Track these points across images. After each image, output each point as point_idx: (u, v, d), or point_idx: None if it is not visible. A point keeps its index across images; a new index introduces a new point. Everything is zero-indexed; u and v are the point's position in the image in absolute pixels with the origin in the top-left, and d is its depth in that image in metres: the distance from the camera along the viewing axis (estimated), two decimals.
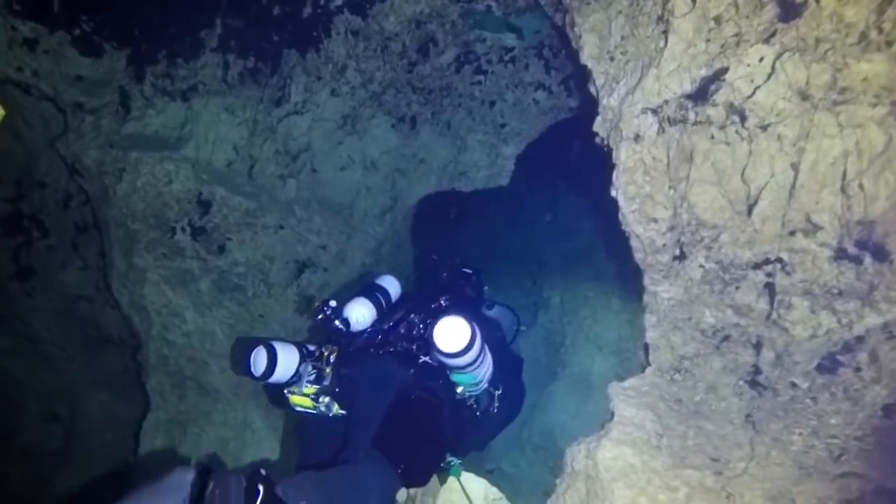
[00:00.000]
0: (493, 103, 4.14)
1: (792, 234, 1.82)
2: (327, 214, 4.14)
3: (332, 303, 2.49)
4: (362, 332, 2.53)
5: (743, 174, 1.87)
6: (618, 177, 2.21)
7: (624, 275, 6.23)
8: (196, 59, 3.54)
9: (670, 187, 2.07)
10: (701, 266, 2.03)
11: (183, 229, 3.49)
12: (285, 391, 2.37)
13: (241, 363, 2.71)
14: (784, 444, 1.88)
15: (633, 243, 2.27)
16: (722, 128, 1.89)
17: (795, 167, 1.78)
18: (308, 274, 4.12)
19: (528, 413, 5.51)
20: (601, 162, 2.38)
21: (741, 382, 2.03)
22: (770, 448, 1.88)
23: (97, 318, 4.16)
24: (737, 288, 1.97)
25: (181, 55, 3.52)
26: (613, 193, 2.24)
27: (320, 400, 2.34)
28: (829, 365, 1.85)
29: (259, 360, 2.27)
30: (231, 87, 3.64)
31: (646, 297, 2.38)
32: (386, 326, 2.57)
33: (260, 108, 3.77)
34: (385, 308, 2.63)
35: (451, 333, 2.19)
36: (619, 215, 2.28)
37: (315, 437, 2.44)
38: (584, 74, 2.62)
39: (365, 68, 3.86)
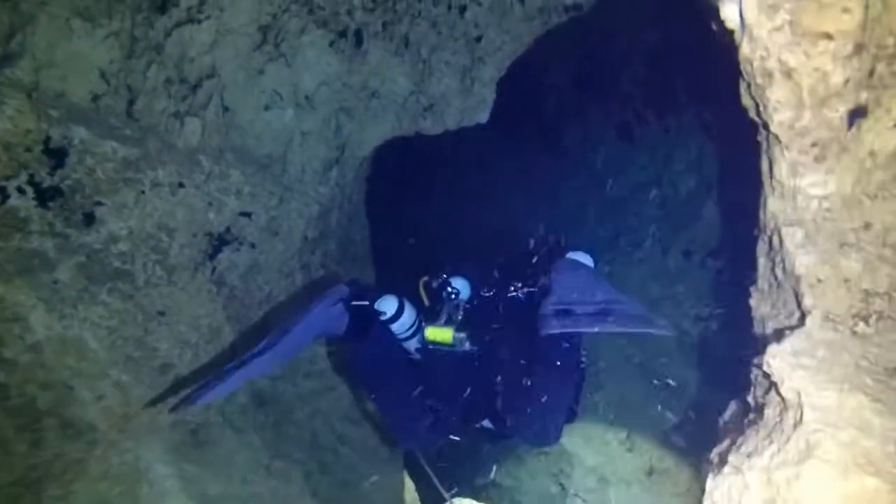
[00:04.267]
0: (463, 8, 3.12)
1: None
2: (250, 170, 3.02)
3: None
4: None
5: None
6: None
7: (625, 235, 5.38)
8: None
9: None
10: None
11: (21, 190, 2.30)
12: (424, 324, 2.69)
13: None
14: None
15: (767, 93, 1.28)
16: None
17: None
18: (228, 252, 2.99)
19: None
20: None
21: None
22: None
23: None
24: None
25: None
26: None
27: (456, 336, 2.64)
28: None
29: (389, 302, 2.61)
30: None
31: (774, 202, 1.41)
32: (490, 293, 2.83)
33: (137, 16, 2.62)
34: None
35: (580, 256, 2.64)
36: (734, 38, 1.30)
37: (446, 369, 2.69)
38: None
39: None
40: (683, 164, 4.81)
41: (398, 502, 3.40)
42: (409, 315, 2.70)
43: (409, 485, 3.83)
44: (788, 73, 1.18)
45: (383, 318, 2.59)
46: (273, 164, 3.18)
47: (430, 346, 2.70)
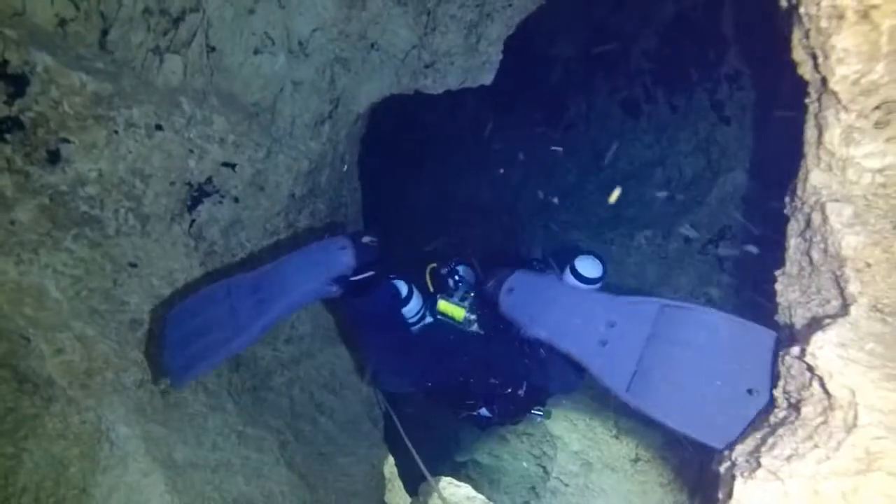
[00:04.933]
0: None
1: None
2: (235, 118, 2.80)
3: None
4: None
5: None
6: None
7: (624, 216, 5.21)
8: None
9: None
10: None
11: None
12: (439, 296, 2.80)
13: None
14: None
15: (833, 40, 1.11)
16: None
17: None
18: (209, 205, 2.78)
19: None
20: None
21: None
22: None
23: None
24: None
25: None
26: None
27: (468, 316, 2.76)
28: None
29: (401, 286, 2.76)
30: None
31: (818, 175, 1.24)
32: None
33: None
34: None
35: (590, 263, 2.57)
36: None
37: (444, 347, 2.77)
38: None
39: None
40: (691, 146, 4.64)
41: (377, 477, 3.28)
42: (416, 302, 2.78)
43: (389, 459, 3.71)
44: (866, 13, 1.00)
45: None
46: (261, 114, 2.96)
47: (439, 317, 2.80)
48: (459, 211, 6.78)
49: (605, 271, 2.58)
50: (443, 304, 2.78)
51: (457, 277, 2.89)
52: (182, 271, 2.63)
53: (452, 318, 2.78)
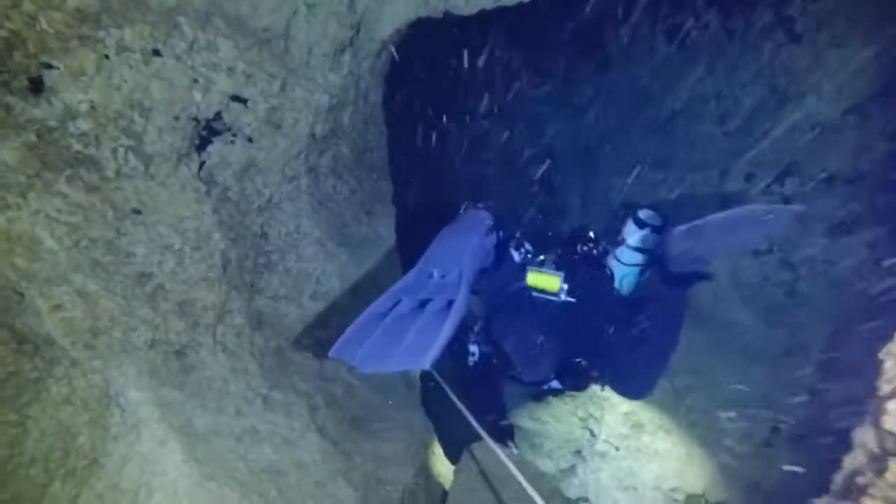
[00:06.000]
0: None
1: None
2: (244, 44, 2.45)
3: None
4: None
5: None
6: None
7: (676, 157, 4.72)
8: None
9: None
10: None
11: None
12: (528, 267, 2.75)
13: None
14: None
15: None
16: None
17: None
18: (220, 145, 2.47)
19: None
20: None
21: None
22: None
23: None
24: None
25: None
26: None
27: (562, 285, 2.70)
28: None
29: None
30: None
31: None
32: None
33: None
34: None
35: (646, 215, 2.84)
36: None
37: (560, 319, 2.70)
38: None
39: None
40: (750, 73, 4.14)
41: (415, 443, 3.02)
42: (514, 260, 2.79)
43: (427, 424, 3.46)
44: None
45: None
46: (273, 41, 2.61)
47: (532, 294, 2.71)
48: (490, 163, 6.38)
49: (662, 215, 2.84)
50: (533, 277, 2.68)
51: (526, 247, 2.87)
52: (193, 218, 2.34)
53: (544, 290, 2.69)
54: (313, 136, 2.89)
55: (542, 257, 2.81)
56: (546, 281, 2.68)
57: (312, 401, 2.77)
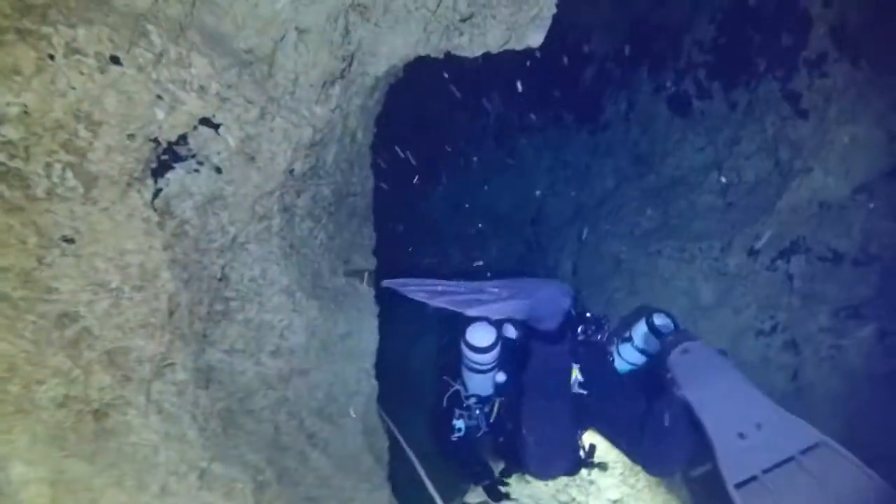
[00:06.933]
0: None
1: None
2: (223, 63, 2.20)
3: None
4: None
5: None
6: None
7: (674, 226, 4.53)
8: None
9: None
10: None
11: None
12: None
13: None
14: None
15: None
16: None
17: None
18: (182, 172, 2.17)
19: None
20: None
21: None
22: None
23: None
24: None
25: None
26: None
27: (578, 377, 2.73)
28: None
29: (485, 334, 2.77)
30: None
31: None
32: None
33: None
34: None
35: (659, 319, 2.88)
36: None
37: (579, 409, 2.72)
38: None
39: None
40: (754, 145, 4.02)
41: None
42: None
43: (394, 502, 3.02)
44: None
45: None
46: (256, 64, 2.35)
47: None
48: (477, 220, 6.16)
49: (677, 325, 2.82)
50: None
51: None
52: (138, 252, 2.00)
53: None
54: (291, 172, 2.60)
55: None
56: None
57: (261, 476, 2.35)
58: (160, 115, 2.02)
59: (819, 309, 3.66)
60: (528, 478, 4.37)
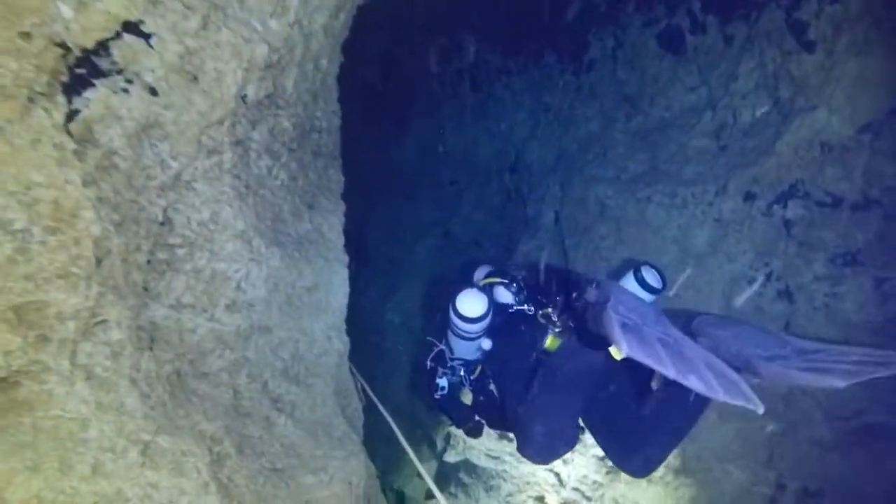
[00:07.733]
0: None
1: None
2: None
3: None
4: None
5: None
6: None
7: (664, 171, 4.28)
8: None
9: None
10: None
11: None
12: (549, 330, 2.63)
13: None
14: None
15: None
16: None
17: None
18: (105, 91, 1.78)
19: None
20: None
21: None
22: None
23: None
24: None
25: None
26: None
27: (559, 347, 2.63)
28: None
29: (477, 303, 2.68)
30: None
31: None
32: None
33: None
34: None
35: (648, 274, 2.67)
36: None
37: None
38: None
39: None
40: (751, 84, 3.75)
41: (355, 500, 2.35)
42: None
43: (372, 469, 2.79)
44: None
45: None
46: None
47: (545, 357, 2.58)
48: (452, 169, 5.82)
49: (664, 280, 2.68)
50: (552, 341, 2.57)
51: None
52: (50, 187, 1.62)
53: (548, 351, 2.59)
54: (244, 98, 2.22)
55: (549, 309, 2.62)
56: (552, 343, 2.55)
57: (218, 447, 2.06)
58: (65, 10, 1.61)
59: (815, 256, 3.49)
60: (510, 435, 4.21)
